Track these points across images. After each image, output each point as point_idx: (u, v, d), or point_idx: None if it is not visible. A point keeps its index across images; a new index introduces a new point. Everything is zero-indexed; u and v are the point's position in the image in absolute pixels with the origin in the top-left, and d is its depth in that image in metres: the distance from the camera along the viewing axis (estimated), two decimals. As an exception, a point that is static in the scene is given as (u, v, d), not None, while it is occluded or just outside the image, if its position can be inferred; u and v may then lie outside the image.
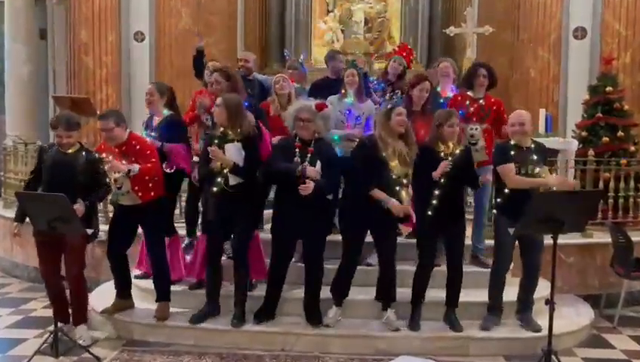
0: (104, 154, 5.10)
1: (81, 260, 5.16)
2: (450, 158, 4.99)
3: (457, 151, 5.08)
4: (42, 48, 11.62)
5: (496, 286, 5.23)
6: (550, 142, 7.41)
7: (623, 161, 7.09)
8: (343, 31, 13.17)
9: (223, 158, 5.02)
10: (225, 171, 5.05)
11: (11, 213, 7.63)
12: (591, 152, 6.88)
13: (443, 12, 12.73)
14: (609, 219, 6.69)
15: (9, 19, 10.93)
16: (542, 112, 7.83)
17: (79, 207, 4.85)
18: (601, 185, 6.76)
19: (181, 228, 6.02)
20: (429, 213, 5.02)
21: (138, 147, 5.16)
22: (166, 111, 5.69)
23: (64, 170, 4.99)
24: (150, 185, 5.16)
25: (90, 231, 4.98)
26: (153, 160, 5.16)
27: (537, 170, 5.05)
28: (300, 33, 12.94)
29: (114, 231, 5.40)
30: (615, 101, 7.62)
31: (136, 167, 5.00)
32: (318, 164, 4.98)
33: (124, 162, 5.04)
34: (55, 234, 4.78)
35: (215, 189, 5.09)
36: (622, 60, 9.09)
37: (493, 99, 5.89)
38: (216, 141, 5.08)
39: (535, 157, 5.08)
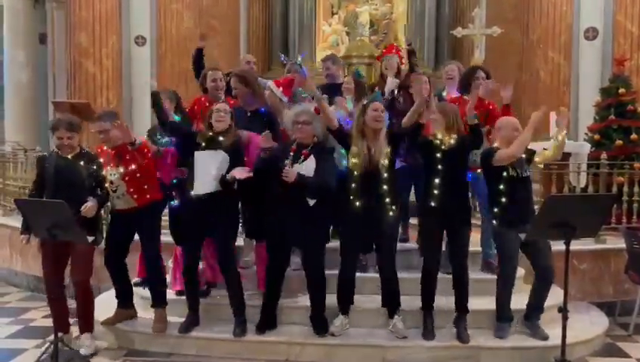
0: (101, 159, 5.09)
1: (88, 267, 5.08)
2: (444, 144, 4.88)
3: (452, 141, 4.91)
4: (42, 53, 11.62)
5: (503, 296, 5.08)
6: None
7: (637, 165, 7.04)
8: (347, 33, 13.05)
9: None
10: None
11: (11, 221, 7.60)
12: (604, 156, 6.79)
13: (450, 13, 12.61)
14: (623, 224, 6.60)
15: (8, 24, 10.94)
16: (553, 115, 7.70)
17: (92, 204, 4.82)
18: (614, 189, 6.69)
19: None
20: (432, 203, 4.88)
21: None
22: (177, 117, 5.61)
23: (68, 176, 4.93)
24: (145, 187, 5.11)
25: (90, 239, 4.88)
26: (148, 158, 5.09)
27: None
28: (304, 36, 12.87)
29: (111, 240, 5.29)
30: (628, 103, 7.61)
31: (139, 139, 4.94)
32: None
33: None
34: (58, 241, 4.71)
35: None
36: (635, 61, 9.05)
37: (487, 101, 5.73)
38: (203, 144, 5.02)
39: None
